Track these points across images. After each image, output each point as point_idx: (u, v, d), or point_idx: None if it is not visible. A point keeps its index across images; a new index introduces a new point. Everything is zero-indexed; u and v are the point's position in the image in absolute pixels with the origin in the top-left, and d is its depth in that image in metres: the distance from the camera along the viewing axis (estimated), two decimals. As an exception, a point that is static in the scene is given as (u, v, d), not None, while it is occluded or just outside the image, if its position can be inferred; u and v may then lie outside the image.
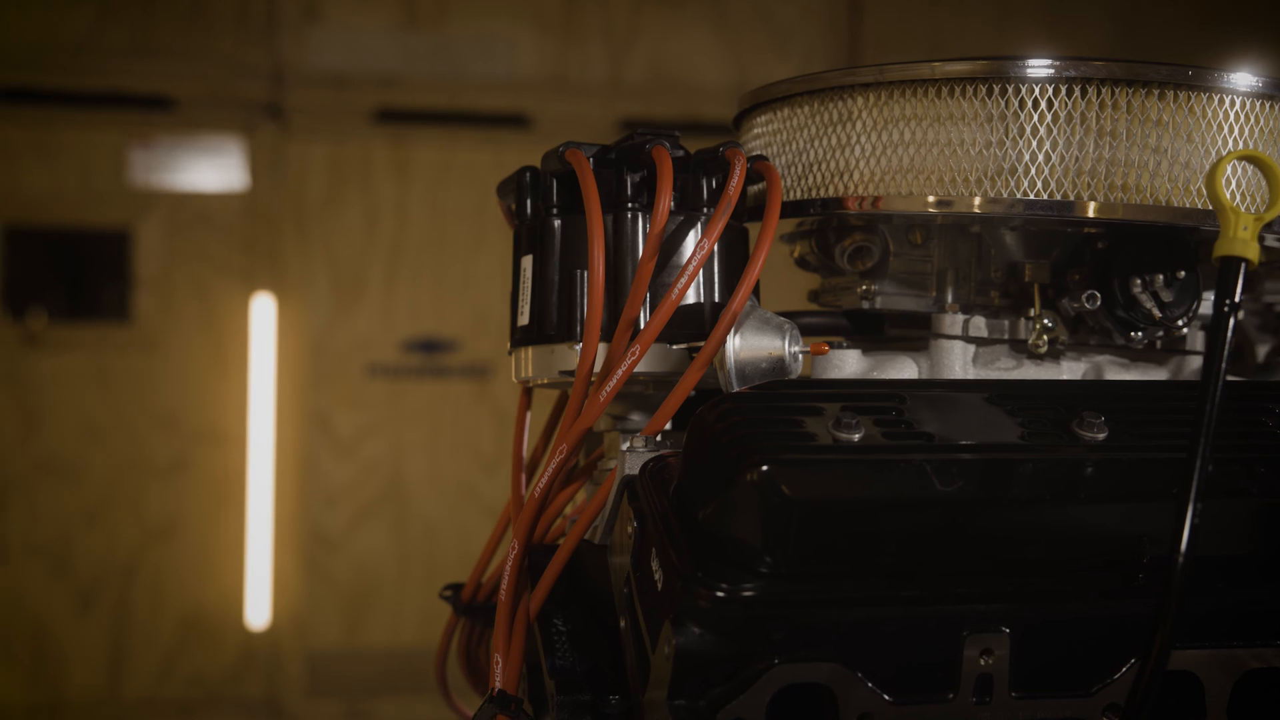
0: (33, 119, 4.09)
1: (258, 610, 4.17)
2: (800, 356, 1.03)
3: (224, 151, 4.19)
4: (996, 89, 1.03)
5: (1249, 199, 1.03)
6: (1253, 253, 0.86)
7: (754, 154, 1.17)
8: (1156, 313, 1.07)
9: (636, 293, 1.02)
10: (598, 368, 1.04)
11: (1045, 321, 1.10)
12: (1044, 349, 1.10)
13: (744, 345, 1.02)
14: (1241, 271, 0.86)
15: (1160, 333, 1.11)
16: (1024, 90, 1.02)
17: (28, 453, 4.09)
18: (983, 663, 0.90)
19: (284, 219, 4.18)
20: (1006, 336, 1.12)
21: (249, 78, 4.17)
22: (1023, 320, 1.11)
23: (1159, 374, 1.15)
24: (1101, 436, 0.93)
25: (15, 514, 4.08)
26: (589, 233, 1.01)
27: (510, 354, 1.14)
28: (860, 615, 0.89)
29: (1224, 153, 1.03)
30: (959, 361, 1.12)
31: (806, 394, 0.95)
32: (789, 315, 1.21)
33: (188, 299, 4.16)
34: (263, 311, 4.15)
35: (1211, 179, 0.88)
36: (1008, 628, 0.90)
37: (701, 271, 1.07)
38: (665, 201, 1.01)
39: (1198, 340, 1.15)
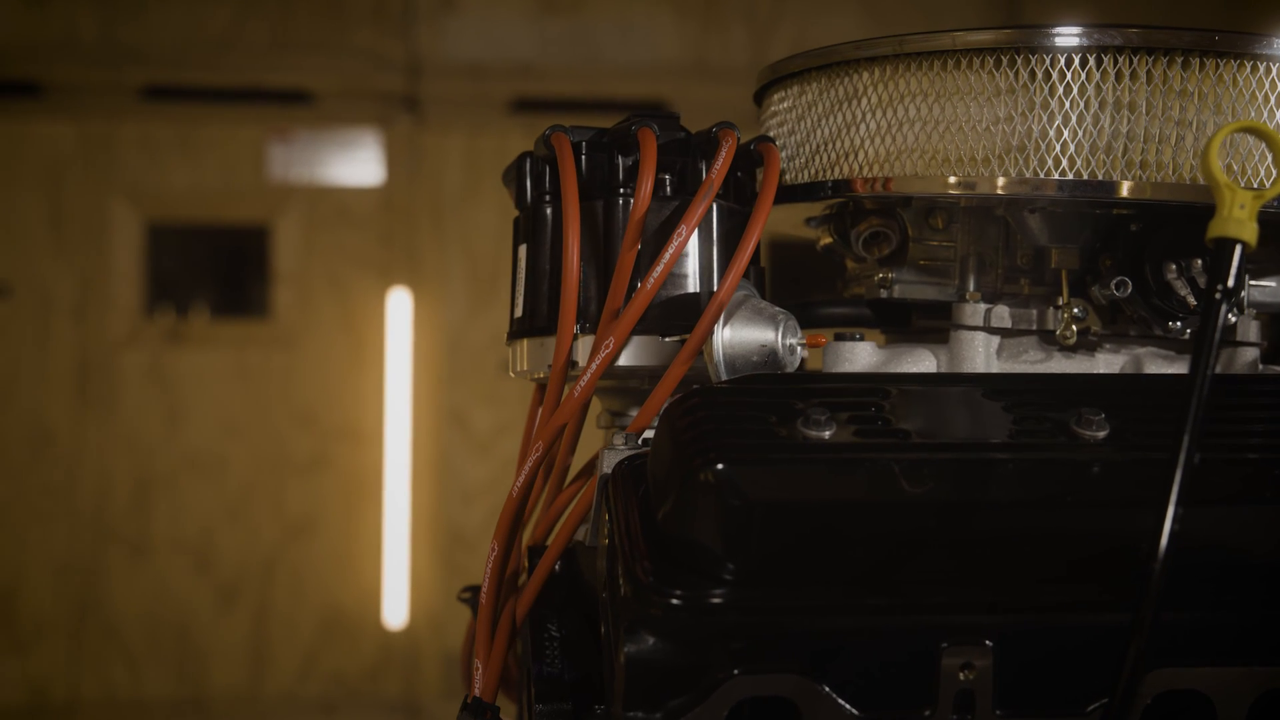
0: (176, 116, 4.22)
1: (395, 609, 4.24)
2: (798, 349, 1.01)
3: (361, 145, 4.28)
4: (1005, 60, 0.98)
5: None
6: (1249, 234, 0.81)
7: (767, 134, 1.14)
8: (1192, 300, 1.02)
9: (619, 282, 1.00)
10: (581, 360, 1.03)
11: (1075, 311, 1.05)
12: (1073, 340, 1.05)
13: (733, 336, 0.99)
14: (1237, 254, 0.81)
15: (1204, 322, 1.05)
16: (1034, 61, 0.98)
17: (172, 449, 4.23)
18: (962, 677, 0.86)
19: (420, 212, 4.25)
20: (1034, 327, 1.07)
21: (386, 70, 4.25)
22: (1051, 310, 1.06)
23: (1208, 367, 1.09)
24: (1102, 435, 0.88)
25: (160, 509, 4.23)
26: (564, 219, 1.00)
27: (508, 346, 1.13)
28: (825, 625, 0.86)
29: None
30: (981, 354, 1.07)
31: (785, 389, 0.92)
32: (811, 305, 1.18)
33: (325, 294, 4.26)
34: (399, 306, 4.23)
35: (1207, 153, 0.82)
36: (990, 640, 0.86)
37: (696, 259, 1.05)
38: (647, 186, 0.99)
39: (1251, 330, 1.09)
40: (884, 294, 1.11)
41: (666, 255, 0.98)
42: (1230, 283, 0.81)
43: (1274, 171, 0.97)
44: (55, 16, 4.20)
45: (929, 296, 1.11)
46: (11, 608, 4.20)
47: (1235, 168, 0.97)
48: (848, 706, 0.86)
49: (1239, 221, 0.81)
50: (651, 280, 0.97)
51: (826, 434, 0.87)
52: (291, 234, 4.25)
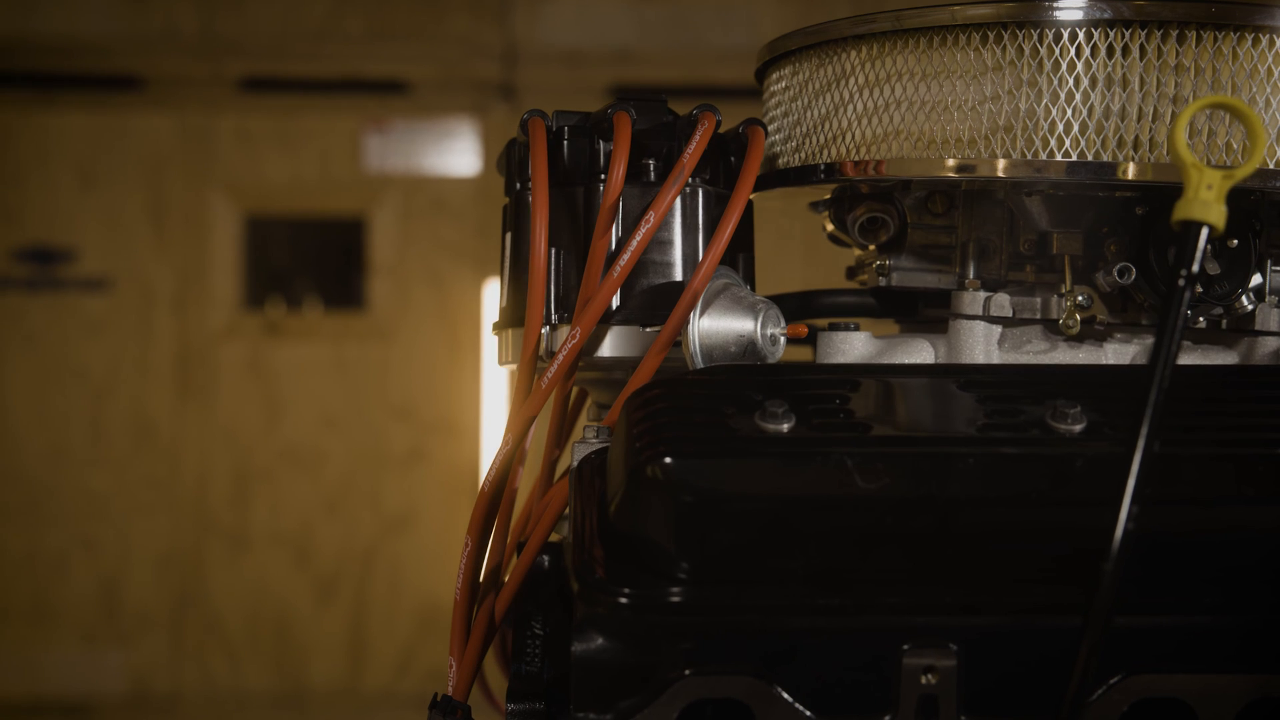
0: (274, 108, 4.30)
1: (493, 605, 4.27)
2: (780, 339, 0.99)
3: (457, 134, 4.32)
4: (993, 35, 0.96)
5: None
6: (1216, 216, 0.77)
7: (763, 116, 1.13)
8: (1199, 287, 0.98)
9: (591, 271, 1.00)
10: (554, 349, 1.02)
11: (1079, 299, 1.02)
12: (1076, 329, 1.02)
13: (710, 326, 0.98)
14: (1203, 237, 0.78)
15: (1218, 310, 1.01)
16: (1021, 36, 0.95)
17: (271, 442, 4.32)
18: (924, 681, 0.84)
19: (516, 202, 4.27)
20: (1037, 315, 1.04)
21: (482, 58, 4.28)
22: (1055, 298, 1.03)
23: (1226, 357, 1.05)
24: (1078, 429, 0.85)
25: (259, 503, 4.31)
26: (533, 206, 0.99)
27: (495, 336, 1.13)
28: (779, 625, 0.85)
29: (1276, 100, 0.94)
30: (980, 344, 1.05)
31: (749, 381, 0.91)
32: (816, 294, 1.17)
33: (422, 286, 4.31)
34: (495, 298, 4.25)
35: (1174, 130, 0.79)
36: (955, 642, 0.84)
37: (680, 247, 1.04)
38: (618, 171, 0.98)
39: (1271, 319, 1.05)
40: (883, 281, 1.09)
41: (633, 243, 0.97)
42: (1196, 267, 0.77)
43: (1277, 151, 0.93)
44: (156, 10, 4.30)
45: (928, 284, 1.08)
46: (115, 599, 4.31)
47: (1235, 146, 0.94)
48: (803, 710, 0.84)
49: (1205, 203, 0.78)
50: (618, 268, 0.97)
51: (784, 427, 0.85)
52: (388, 225, 4.31)
